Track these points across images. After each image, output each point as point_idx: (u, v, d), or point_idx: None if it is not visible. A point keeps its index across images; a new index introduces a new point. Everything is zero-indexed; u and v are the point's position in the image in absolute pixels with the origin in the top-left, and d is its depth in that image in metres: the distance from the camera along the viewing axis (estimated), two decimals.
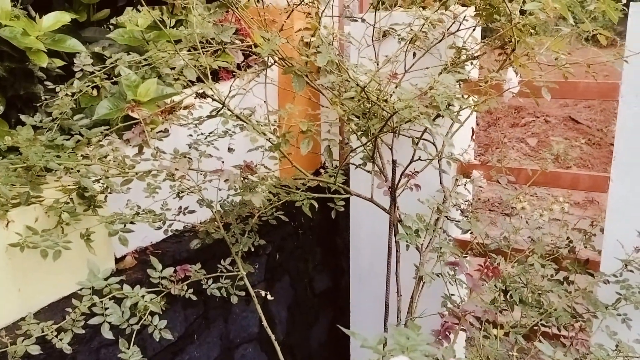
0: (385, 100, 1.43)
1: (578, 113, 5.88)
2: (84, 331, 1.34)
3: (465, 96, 1.59)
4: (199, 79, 1.63)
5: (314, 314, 2.68)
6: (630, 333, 1.96)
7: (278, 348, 1.75)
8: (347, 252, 2.74)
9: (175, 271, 1.53)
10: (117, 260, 1.84)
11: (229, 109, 1.58)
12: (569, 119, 5.73)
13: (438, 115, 1.45)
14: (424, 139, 1.90)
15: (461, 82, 1.45)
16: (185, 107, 2.04)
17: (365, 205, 1.96)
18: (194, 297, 1.58)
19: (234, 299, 1.69)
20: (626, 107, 2.00)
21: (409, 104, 1.37)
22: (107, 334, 1.35)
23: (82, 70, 1.76)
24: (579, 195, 4.83)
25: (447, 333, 1.30)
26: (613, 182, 2.06)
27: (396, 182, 1.76)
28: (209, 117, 1.68)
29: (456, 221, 1.88)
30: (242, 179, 1.62)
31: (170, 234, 1.77)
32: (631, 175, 2.02)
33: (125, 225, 1.63)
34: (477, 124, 5.67)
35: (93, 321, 1.34)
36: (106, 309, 1.37)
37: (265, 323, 1.74)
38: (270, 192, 1.87)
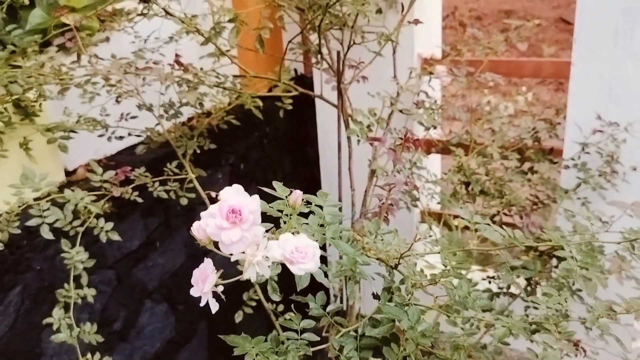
0: None
1: (570, 14, 5.65)
2: (19, 231, 1.36)
3: None
4: None
5: None
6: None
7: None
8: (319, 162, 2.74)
9: (116, 173, 1.53)
10: (70, 174, 1.85)
11: (155, 3, 1.51)
12: (560, 21, 5.51)
13: None
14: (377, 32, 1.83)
15: None
16: (127, 14, 1.97)
17: (331, 111, 1.91)
18: (139, 200, 1.59)
19: (184, 201, 1.70)
20: None
21: None
22: (48, 234, 1.38)
23: None
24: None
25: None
26: (574, 66, 1.99)
27: (341, 73, 1.72)
28: (141, 15, 1.62)
29: (408, 113, 1.85)
30: (177, 78, 1.59)
31: (116, 142, 1.77)
32: (592, 56, 1.95)
33: (66, 133, 1.62)
34: (464, 29, 5.47)
35: (31, 223, 1.36)
36: (45, 210, 1.38)
37: None
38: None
